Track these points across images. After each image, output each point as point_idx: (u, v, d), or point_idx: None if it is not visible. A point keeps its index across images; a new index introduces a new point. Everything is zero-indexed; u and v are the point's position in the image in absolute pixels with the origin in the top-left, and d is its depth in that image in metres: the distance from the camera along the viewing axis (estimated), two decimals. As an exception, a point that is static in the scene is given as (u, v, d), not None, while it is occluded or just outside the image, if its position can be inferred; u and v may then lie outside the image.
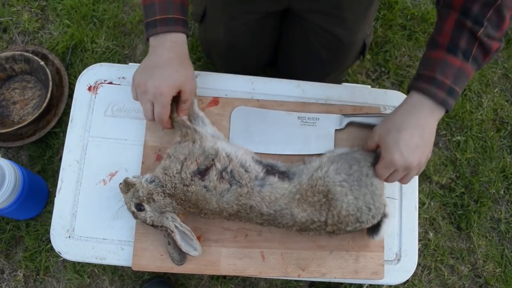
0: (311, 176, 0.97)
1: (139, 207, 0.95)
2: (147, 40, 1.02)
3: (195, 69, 1.11)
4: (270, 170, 0.98)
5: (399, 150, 0.93)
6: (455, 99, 0.93)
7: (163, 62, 0.98)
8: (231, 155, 0.97)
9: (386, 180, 0.98)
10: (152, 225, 0.96)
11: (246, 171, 0.96)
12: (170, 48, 1.00)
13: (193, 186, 0.93)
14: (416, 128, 0.93)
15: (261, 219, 0.96)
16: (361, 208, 0.95)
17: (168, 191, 0.95)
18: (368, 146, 1.02)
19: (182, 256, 0.99)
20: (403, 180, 0.99)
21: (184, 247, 0.95)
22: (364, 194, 0.95)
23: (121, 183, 0.98)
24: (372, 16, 1.40)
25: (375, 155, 1.02)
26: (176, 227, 0.95)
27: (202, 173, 0.94)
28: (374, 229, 0.99)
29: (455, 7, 0.91)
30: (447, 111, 0.94)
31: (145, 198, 0.95)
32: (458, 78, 0.92)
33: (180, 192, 0.94)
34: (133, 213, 0.96)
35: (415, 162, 0.94)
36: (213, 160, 0.95)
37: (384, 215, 0.99)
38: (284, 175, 0.98)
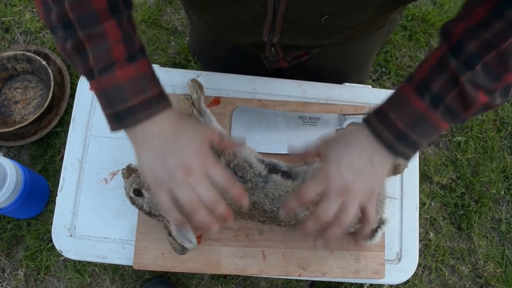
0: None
1: (138, 192, 0.95)
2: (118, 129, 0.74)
3: (195, 69, 1.12)
4: (272, 169, 0.99)
5: (338, 166, 0.75)
6: (410, 148, 0.74)
7: (170, 137, 0.73)
8: (236, 151, 0.97)
9: (316, 212, 0.76)
10: (149, 213, 0.96)
11: (250, 167, 0.96)
12: (163, 122, 0.74)
13: None
14: (365, 151, 0.75)
15: (264, 216, 0.97)
16: None
17: None
18: (306, 151, 0.86)
19: (184, 246, 0.99)
20: (338, 215, 0.75)
21: (179, 238, 0.95)
22: None
23: (123, 169, 0.98)
24: (371, 64, 1.39)
25: None
26: None
27: None
28: (370, 234, 1.00)
29: (451, 38, 0.71)
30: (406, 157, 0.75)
31: (145, 184, 0.95)
32: (418, 125, 0.72)
33: None
34: (130, 198, 0.96)
35: (354, 187, 0.74)
36: (219, 156, 0.95)
37: (382, 221, 0.99)
38: (286, 175, 0.98)
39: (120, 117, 0.73)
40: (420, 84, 0.72)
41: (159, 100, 0.74)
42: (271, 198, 0.95)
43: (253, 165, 0.97)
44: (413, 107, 0.72)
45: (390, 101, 0.76)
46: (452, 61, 0.69)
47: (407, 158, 0.75)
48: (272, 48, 0.99)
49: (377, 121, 0.75)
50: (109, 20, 0.71)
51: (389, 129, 0.73)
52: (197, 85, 1.07)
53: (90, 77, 0.74)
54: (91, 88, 0.76)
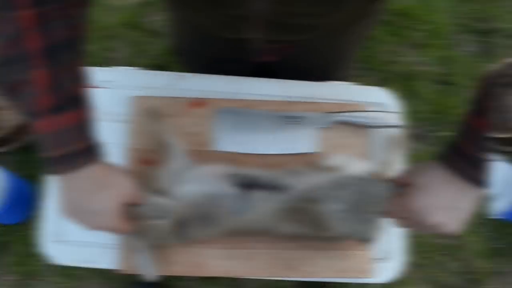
0: (303, 195, 0.89)
1: None
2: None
3: (178, 70, 1.12)
4: (250, 185, 0.89)
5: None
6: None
7: (85, 197, 0.79)
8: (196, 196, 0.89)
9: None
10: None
11: (220, 205, 0.89)
12: (84, 177, 0.76)
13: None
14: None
15: (255, 233, 0.96)
16: (353, 235, 0.93)
17: None
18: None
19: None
20: None
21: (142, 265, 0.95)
22: (361, 229, 0.92)
23: None
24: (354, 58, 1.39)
25: (389, 188, 0.91)
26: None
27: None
28: None
29: None
30: None
31: None
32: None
33: None
34: None
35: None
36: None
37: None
38: (270, 186, 0.89)
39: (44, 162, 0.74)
40: None
41: (82, 154, 0.75)
42: (254, 222, 0.90)
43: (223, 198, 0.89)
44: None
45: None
46: None
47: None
48: (257, 41, 1.01)
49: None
50: (41, 66, 0.68)
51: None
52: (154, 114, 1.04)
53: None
54: None
